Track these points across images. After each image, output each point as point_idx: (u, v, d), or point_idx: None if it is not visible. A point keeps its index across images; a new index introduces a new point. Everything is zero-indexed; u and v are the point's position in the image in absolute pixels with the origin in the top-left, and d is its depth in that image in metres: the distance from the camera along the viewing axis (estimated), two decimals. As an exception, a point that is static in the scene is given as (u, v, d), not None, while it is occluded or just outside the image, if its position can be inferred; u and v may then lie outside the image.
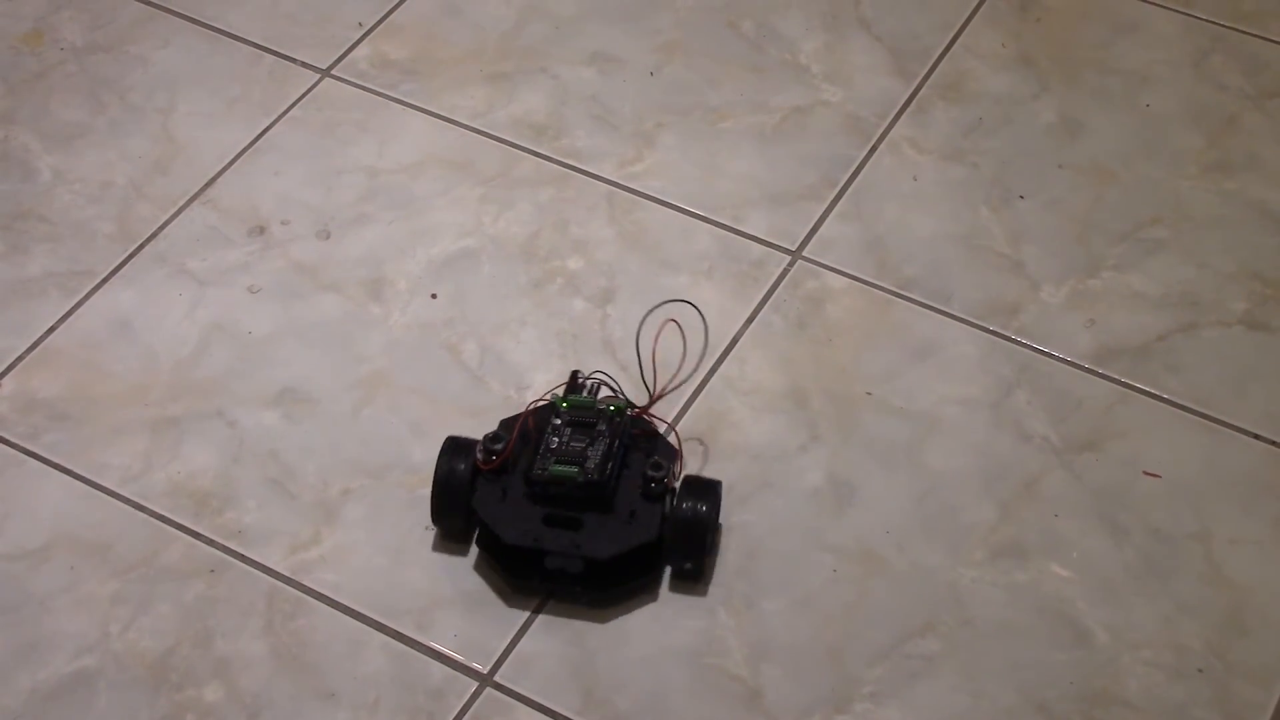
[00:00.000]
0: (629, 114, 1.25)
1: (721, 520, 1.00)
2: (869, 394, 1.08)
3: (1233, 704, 0.94)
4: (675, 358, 1.09)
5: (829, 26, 1.32)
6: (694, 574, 0.98)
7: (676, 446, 1.00)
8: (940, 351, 1.11)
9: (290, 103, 1.26)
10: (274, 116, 1.25)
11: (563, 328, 1.12)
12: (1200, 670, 0.96)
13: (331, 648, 0.96)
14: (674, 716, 0.94)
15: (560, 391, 1.02)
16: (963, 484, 1.04)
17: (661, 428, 1.03)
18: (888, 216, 1.19)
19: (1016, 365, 1.10)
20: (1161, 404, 1.08)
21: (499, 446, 0.98)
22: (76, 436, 1.06)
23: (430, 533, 1.00)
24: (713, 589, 0.99)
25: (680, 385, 1.08)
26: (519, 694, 0.94)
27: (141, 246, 1.16)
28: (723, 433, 1.06)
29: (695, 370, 1.09)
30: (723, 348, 1.11)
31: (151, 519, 1.02)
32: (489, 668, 0.95)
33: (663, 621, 0.97)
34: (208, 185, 1.20)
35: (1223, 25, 1.32)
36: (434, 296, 1.13)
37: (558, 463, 0.97)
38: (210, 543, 1.01)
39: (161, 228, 1.18)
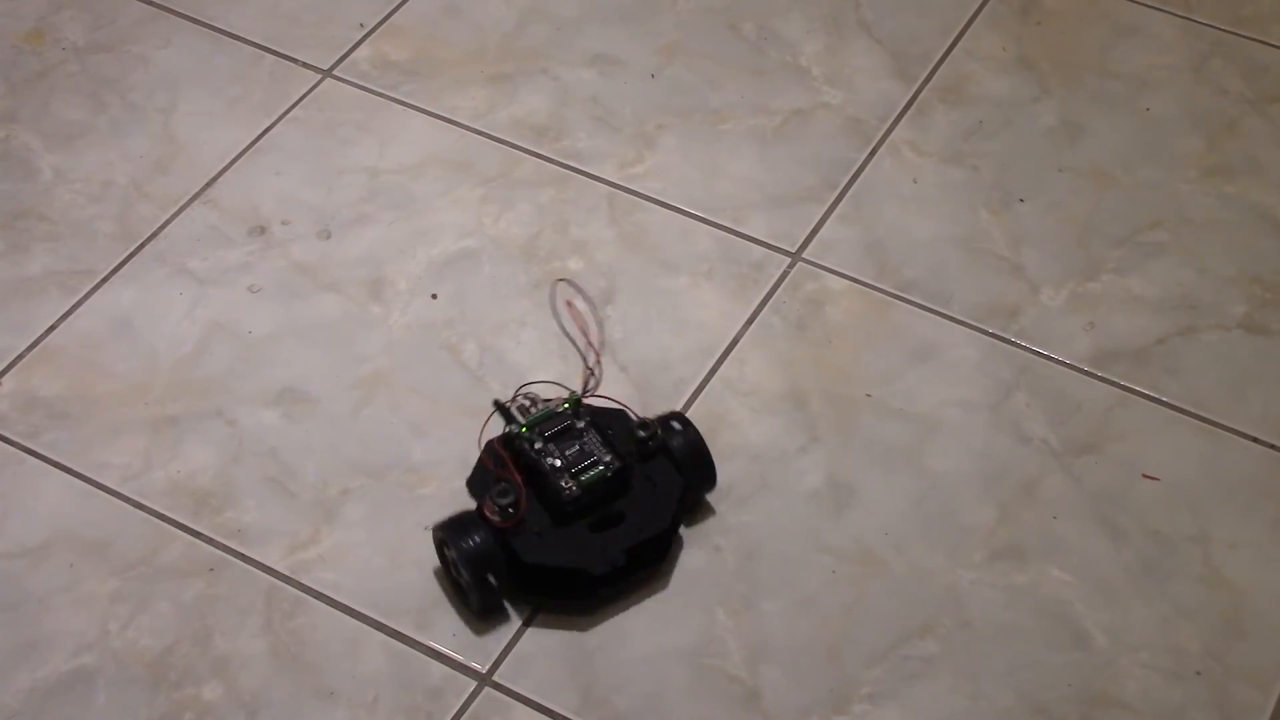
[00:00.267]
0: (630, 115, 1.25)
1: (721, 521, 1.01)
2: (868, 396, 1.08)
3: (1231, 706, 0.94)
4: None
5: (830, 29, 1.32)
6: (710, 490, 1.01)
7: (620, 403, 1.01)
8: (940, 354, 1.11)
9: (291, 103, 1.26)
10: (275, 117, 1.25)
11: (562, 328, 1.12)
12: (1198, 672, 0.96)
13: (330, 647, 0.96)
14: (672, 717, 0.94)
15: (498, 429, 1.00)
16: (962, 486, 1.04)
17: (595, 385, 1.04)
18: (888, 219, 1.19)
19: (1016, 368, 1.10)
20: (1161, 407, 1.08)
21: (509, 500, 0.95)
22: (76, 435, 1.06)
23: (429, 532, 1.00)
24: (712, 589, 0.99)
25: (599, 345, 1.09)
26: (517, 693, 0.94)
27: (142, 246, 1.16)
28: (722, 434, 1.06)
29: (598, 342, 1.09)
30: (722, 349, 1.11)
31: (151, 518, 1.02)
32: (487, 667, 0.95)
33: (661, 621, 0.97)
34: (208, 185, 1.20)
35: (1223, 29, 1.32)
36: (434, 297, 1.13)
37: (578, 473, 0.96)
38: (210, 542, 1.01)
39: (162, 227, 1.18)
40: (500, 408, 1.03)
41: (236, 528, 1.01)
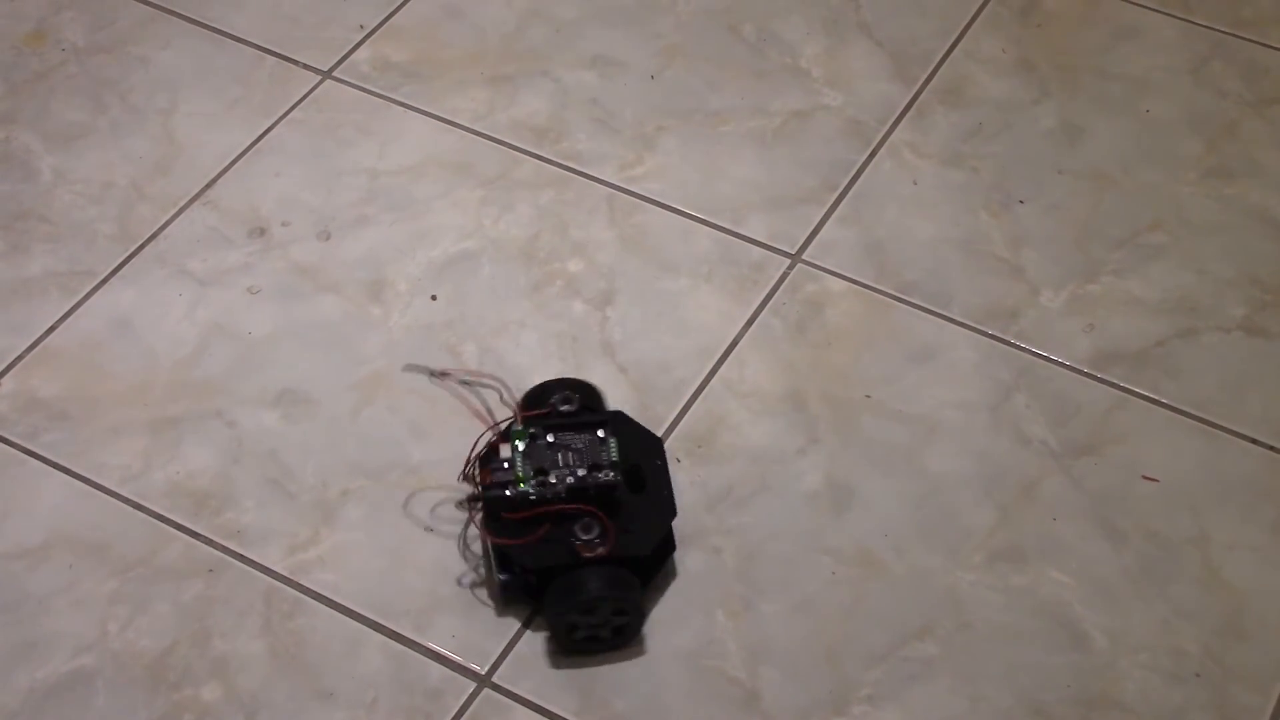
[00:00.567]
0: (630, 117, 1.25)
1: (720, 522, 1.01)
2: (868, 397, 1.08)
3: (1230, 708, 0.94)
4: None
5: (830, 31, 1.32)
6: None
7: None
8: (939, 355, 1.11)
9: (291, 104, 1.26)
10: (275, 118, 1.25)
11: (562, 330, 1.12)
12: (1198, 674, 0.96)
13: (330, 648, 0.96)
14: (672, 718, 0.94)
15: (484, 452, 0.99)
16: (961, 487, 1.04)
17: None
18: (887, 220, 1.19)
19: (1016, 369, 1.10)
20: (1160, 409, 1.08)
21: (595, 535, 0.93)
22: (76, 436, 1.06)
23: (428, 534, 1.00)
24: (712, 590, 0.99)
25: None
26: (517, 695, 0.94)
27: (142, 247, 1.17)
28: (722, 435, 1.06)
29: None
30: (722, 350, 1.11)
31: (150, 519, 1.02)
32: (487, 668, 0.95)
33: (661, 623, 0.97)
34: (208, 186, 1.21)
35: (1222, 31, 1.32)
36: (434, 298, 1.14)
37: (593, 469, 0.96)
38: (209, 542, 1.01)
39: (162, 228, 1.18)
40: (482, 446, 0.99)
41: (236, 529, 1.01)
